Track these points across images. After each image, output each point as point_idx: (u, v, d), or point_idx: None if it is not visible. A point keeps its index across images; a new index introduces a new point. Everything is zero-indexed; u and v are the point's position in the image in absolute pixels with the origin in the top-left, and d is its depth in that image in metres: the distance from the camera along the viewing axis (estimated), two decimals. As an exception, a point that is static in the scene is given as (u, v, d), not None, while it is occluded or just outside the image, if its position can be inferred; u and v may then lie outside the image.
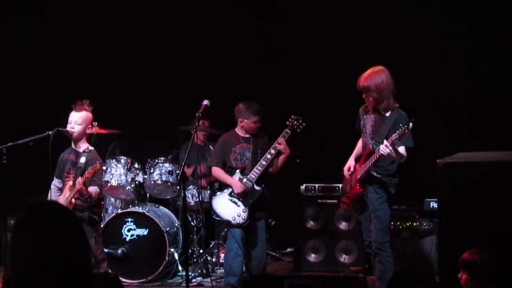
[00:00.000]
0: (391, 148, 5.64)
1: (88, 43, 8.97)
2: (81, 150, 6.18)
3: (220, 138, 6.90)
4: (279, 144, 6.53)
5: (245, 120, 6.65)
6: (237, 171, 6.63)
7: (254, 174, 6.55)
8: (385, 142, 5.69)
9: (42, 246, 1.99)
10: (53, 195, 6.23)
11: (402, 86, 6.11)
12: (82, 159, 6.01)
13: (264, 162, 6.53)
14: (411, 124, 5.56)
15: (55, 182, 6.31)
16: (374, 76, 5.90)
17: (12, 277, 2.00)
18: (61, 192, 6.18)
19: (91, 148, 6.21)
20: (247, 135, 6.72)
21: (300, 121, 6.61)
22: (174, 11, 9.07)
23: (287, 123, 6.61)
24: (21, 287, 1.99)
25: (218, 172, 6.73)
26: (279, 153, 6.61)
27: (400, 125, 5.67)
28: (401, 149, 5.80)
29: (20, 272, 2.00)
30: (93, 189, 6.03)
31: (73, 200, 5.96)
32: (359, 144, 6.27)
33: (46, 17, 8.99)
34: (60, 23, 8.95)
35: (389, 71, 5.94)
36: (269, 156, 6.53)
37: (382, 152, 5.70)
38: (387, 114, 5.99)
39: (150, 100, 8.97)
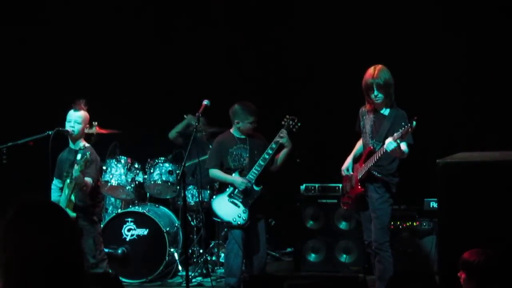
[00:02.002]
0: (395, 144, 5.63)
1: (88, 43, 8.96)
2: (77, 148, 6.23)
3: (215, 140, 6.86)
4: (282, 137, 6.45)
5: (242, 121, 6.60)
6: (235, 172, 6.61)
7: (252, 174, 6.51)
8: (389, 138, 5.68)
9: (29, 244, 1.94)
10: (54, 195, 6.26)
11: (402, 85, 6.11)
12: (78, 156, 6.07)
13: (262, 162, 6.48)
14: (414, 123, 5.54)
15: (56, 183, 6.34)
16: (382, 72, 5.92)
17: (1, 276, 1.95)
18: (61, 192, 6.21)
19: (87, 145, 6.30)
20: (243, 136, 6.64)
21: (296, 120, 6.53)
22: (174, 10, 9.07)
23: (282, 123, 6.54)
24: (9, 286, 1.94)
25: (216, 173, 6.68)
26: (279, 149, 6.57)
27: (403, 123, 5.66)
28: (403, 146, 5.80)
29: (7, 271, 1.95)
30: (87, 180, 6.14)
31: (72, 197, 6.01)
32: (358, 144, 6.27)
33: (46, 16, 8.98)
34: (60, 23, 8.94)
35: None
36: (267, 156, 6.47)
37: (386, 148, 5.67)
38: (386, 113, 5.99)
39: (150, 100, 8.95)
